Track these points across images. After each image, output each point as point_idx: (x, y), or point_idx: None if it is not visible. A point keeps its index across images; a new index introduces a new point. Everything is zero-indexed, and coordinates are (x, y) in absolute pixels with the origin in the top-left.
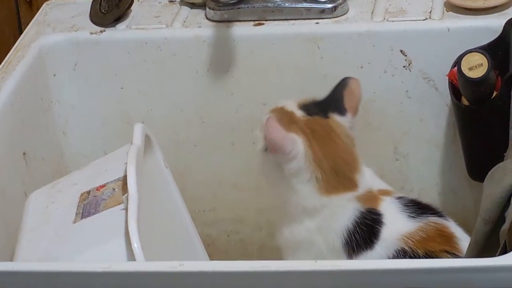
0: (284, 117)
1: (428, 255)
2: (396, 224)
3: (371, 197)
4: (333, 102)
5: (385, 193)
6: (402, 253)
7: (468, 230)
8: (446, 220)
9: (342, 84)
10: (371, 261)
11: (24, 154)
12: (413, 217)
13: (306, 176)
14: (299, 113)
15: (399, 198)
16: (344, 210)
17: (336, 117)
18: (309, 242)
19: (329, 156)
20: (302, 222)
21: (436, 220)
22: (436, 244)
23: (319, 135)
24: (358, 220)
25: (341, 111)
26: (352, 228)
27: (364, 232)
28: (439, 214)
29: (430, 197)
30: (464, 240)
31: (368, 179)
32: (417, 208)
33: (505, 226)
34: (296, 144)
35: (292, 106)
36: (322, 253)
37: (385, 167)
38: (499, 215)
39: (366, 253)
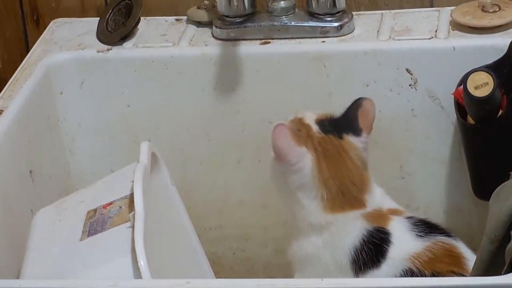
0: (300, 129)
1: (435, 276)
2: (404, 244)
3: (380, 216)
4: (348, 122)
5: (395, 212)
6: (409, 273)
7: (473, 247)
8: (455, 240)
9: (356, 104)
10: (378, 279)
11: (31, 171)
12: (421, 236)
13: (311, 192)
14: (315, 128)
15: (409, 217)
16: (351, 228)
17: (350, 138)
18: (316, 257)
19: (337, 177)
20: (310, 237)
21: (445, 240)
22: (444, 265)
23: (330, 155)
24: (366, 239)
25: (356, 131)
26: (359, 246)
27: (372, 251)
28: (448, 234)
29: (436, 215)
30: (472, 260)
31: (379, 198)
32: (426, 227)
33: (511, 245)
34: (303, 158)
35: (310, 119)
36: (329, 269)
37: (391, 185)
38: (505, 234)
39: (373, 272)
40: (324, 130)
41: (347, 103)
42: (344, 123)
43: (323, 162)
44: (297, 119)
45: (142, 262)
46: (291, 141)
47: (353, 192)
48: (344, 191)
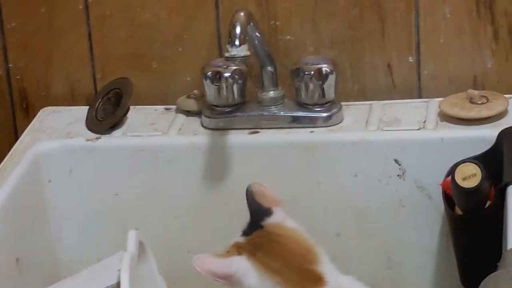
0: (228, 251)
1: None
2: None
3: None
4: (257, 213)
5: None
6: None
7: None
8: None
9: (249, 194)
10: None
11: (17, 259)
12: None
13: (268, 286)
14: (241, 239)
15: None
16: None
17: (268, 222)
18: None
19: (279, 259)
20: None
21: None
22: None
23: (262, 246)
24: None
25: (267, 213)
26: None
27: None
28: None
29: None
30: None
31: (346, 283)
32: None
33: None
34: (239, 264)
35: (237, 237)
36: None
37: (378, 275)
38: None
39: None
40: (246, 233)
41: (336, 192)
42: (255, 214)
43: (260, 254)
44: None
45: None
46: (217, 259)
47: (302, 264)
48: (294, 267)
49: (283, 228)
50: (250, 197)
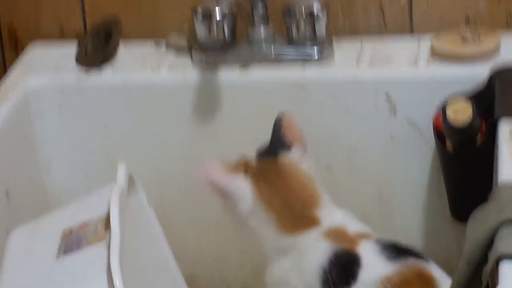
0: (236, 165)
1: None
2: (374, 267)
3: (346, 238)
4: (277, 143)
5: (363, 235)
6: None
7: (450, 270)
8: (426, 262)
9: (277, 123)
10: None
11: (7, 191)
12: (391, 259)
13: (260, 217)
14: (253, 160)
15: (378, 240)
16: (314, 249)
17: (285, 156)
18: (286, 281)
19: (280, 196)
20: (279, 261)
21: (415, 262)
22: (415, 287)
23: (268, 177)
24: (334, 261)
25: (287, 147)
26: (327, 267)
27: (341, 272)
28: (419, 256)
29: (414, 239)
30: (444, 282)
31: (340, 218)
32: (396, 250)
33: (488, 267)
34: (242, 185)
35: (250, 154)
36: None
37: (369, 211)
38: (482, 256)
39: None
40: (259, 157)
41: (327, 130)
42: (274, 143)
43: (263, 185)
44: (239, 159)
45: (117, 282)
46: (223, 173)
47: (300, 209)
48: (292, 209)
49: (295, 168)
50: (277, 125)
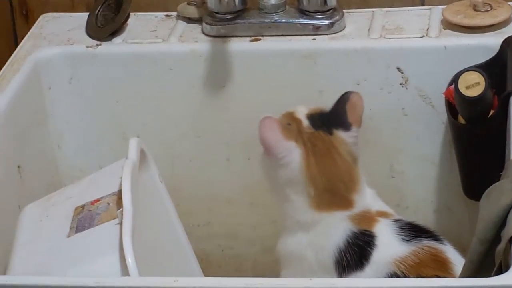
0: (290, 123)
1: None
2: (389, 247)
3: (366, 218)
4: (337, 117)
5: (383, 214)
6: (394, 277)
7: (462, 247)
8: (442, 244)
9: (344, 99)
10: (366, 279)
11: (18, 167)
12: (407, 240)
13: (298, 188)
14: (306, 123)
15: (396, 220)
16: (336, 229)
17: (340, 134)
18: (301, 255)
19: (325, 173)
20: (296, 235)
21: (431, 244)
22: (429, 270)
23: (319, 150)
24: (350, 241)
25: (346, 126)
26: (343, 248)
27: (356, 253)
28: (436, 238)
29: (425, 214)
30: (459, 264)
31: (368, 199)
32: (413, 231)
33: (501, 246)
34: (291, 152)
35: (301, 113)
36: (313, 269)
37: (380, 184)
38: (495, 235)
39: (356, 275)
40: (314, 125)
41: None
42: (333, 118)
43: (312, 158)
44: (288, 113)
45: (129, 260)
46: (279, 134)
47: (341, 191)
48: (332, 189)
49: (347, 149)
50: (343, 101)
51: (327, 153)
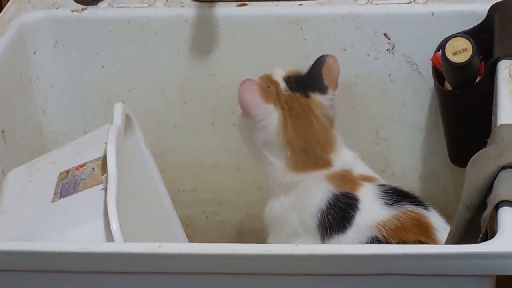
0: (269, 86)
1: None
2: (371, 211)
3: (349, 181)
4: (313, 81)
5: (367, 179)
6: (375, 241)
7: (448, 214)
8: (426, 209)
9: (320, 62)
10: (349, 246)
11: (2, 131)
12: (390, 204)
13: (276, 150)
14: (283, 86)
15: (380, 185)
16: (316, 190)
17: (316, 97)
18: (285, 219)
19: (302, 136)
20: (279, 198)
21: (414, 209)
22: (411, 234)
23: (296, 113)
24: (332, 202)
25: (322, 89)
26: (325, 209)
27: (338, 216)
28: (419, 203)
29: (411, 181)
30: (442, 230)
31: (348, 160)
32: (396, 196)
33: (487, 213)
34: (270, 115)
35: (279, 75)
36: (297, 233)
37: (366, 151)
38: (481, 202)
39: (338, 237)
40: (291, 88)
41: None
42: (310, 81)
43: (289, 121)
44: (266, 76)
45: (114, 225)
46: (258, 97)
47: (317, 151)
48: (308, 150)
49: (322, 112)
50: (319, 63)
51: (304, 116)
